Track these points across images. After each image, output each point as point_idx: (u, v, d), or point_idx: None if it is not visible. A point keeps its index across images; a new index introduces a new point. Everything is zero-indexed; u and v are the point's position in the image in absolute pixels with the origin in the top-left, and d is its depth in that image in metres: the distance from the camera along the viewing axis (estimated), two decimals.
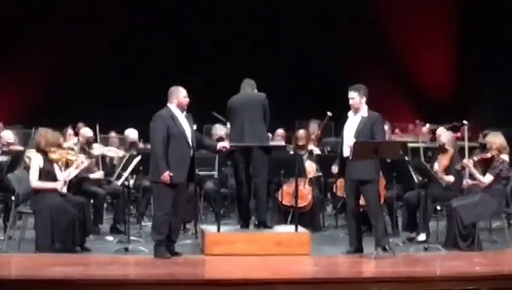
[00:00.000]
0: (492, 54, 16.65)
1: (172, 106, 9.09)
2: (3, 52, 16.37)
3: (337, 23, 17.34)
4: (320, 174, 11.13)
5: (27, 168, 10.24)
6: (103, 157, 11.17)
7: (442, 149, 10.41)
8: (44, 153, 9.50)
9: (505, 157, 9.69)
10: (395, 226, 10.59)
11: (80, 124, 13.13)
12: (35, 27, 16.53)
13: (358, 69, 15.93)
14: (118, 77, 16.44)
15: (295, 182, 9.82)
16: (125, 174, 9.79)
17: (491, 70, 16.57)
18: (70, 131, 12.40)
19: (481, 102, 16.29)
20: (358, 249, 9.27)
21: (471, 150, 10.61)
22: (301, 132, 11.64)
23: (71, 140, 11.48)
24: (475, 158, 9.82)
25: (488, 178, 9.62)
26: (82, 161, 9.80)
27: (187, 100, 9.11)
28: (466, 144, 10.02)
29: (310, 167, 11.07)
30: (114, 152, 11.64)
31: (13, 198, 9.72)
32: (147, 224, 10.66)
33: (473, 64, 16.91)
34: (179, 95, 9.10)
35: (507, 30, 16.32)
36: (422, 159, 10.83)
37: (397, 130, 14.27)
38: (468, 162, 9.76)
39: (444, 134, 10.59)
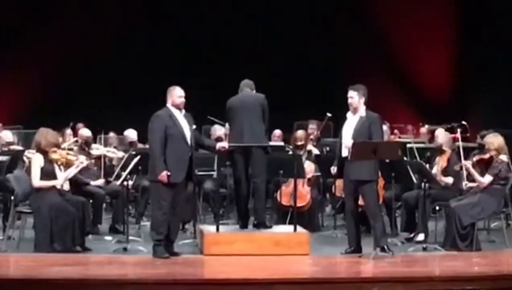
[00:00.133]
0: (492, 55, 16.64)
1: (171, 106, 9.12)
2: (3, 52, 16.36)
3: (337, 23, 17.33)
4: (319, 174, 11.14)
5: (26, 168, 10.28)
6: (102, 157, 11.17)
7: (439, 150, 10.42)
8: (44, 153, 9.52)
9: (503, 157, 9.71)
10: (394, 226, 10.59)
11: (79, 125, 13.14)
12: (35, 27, 16.51)
13: (357, 69, 15.91)
14: (118, 77, 16.42)
15: (293, 182, 9.83)
16: (124, 174, 9.82)
17: (490, 70, 16.55)
18: (69, 131, 12.41)
19: (481, 103, 16.27)
20: (356, 249, 9.28)
21: (470, 150, 10.65)
22: (299, 133, 11.67)
23: (70, 141, 11.49)
24: (474, 159, 9.85)
25: (487, 179, 9.64)
26: (81, 161, 9.83)
27: (181, 99, 9.12)
28: (461, 144, 10.03)
29: (309, 167, 11.07)
30: (113, 152, 11.66)
31: (12, 198, 9.75)
32: (146, 224, 10.67)
33: (473, 65, 16.89)
34: (173, 95, 9.13)
35: (507, 30, 16.30)
36: (418, 159, 10.81)
37: (396, 131, 14.26)
38: (467, 163, 9.78)
39: (441, 135, 10.61)
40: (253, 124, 9.53)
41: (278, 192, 10.94)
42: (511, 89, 15.81)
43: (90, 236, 9.80)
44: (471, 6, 17.20)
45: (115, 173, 10.41)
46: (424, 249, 9.55)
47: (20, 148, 11.41)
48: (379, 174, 9.58)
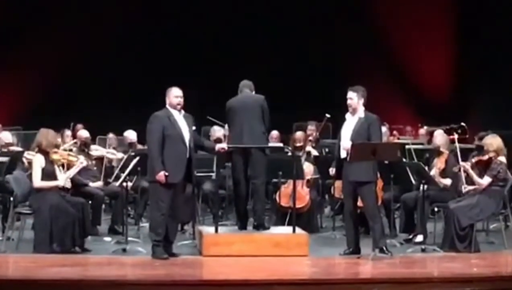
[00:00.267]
0: (492, 55, 16.63)
1: (169, 106, 9.14)
2: (3, 52, 16.36)
3: (337, 23, 17.33)
4: (318, 175, 11.14)
5: (26, 169, 10.29)
6: (102, 158, 11.18)
7: (437, 152, 10.43)
8: (45, 153, 9.53)
9: (502, 159, 9.71)
10: (393, 227, 10.59)
11: (78, 126, 13.14)
12: (35, 27, 16.51)
13: (357, 69, 15.92)
14: (118, 77, 16.41)
15: (293, 183, 9.84)
16: (123, 175, 9.82)
17: (490, 70, 16.55)
18: (68, 132, 12.41)
19: (481, 103, 16.27)
20: (355, 250, 9.29)
21: (468, 152, 10.65)
22: (298, 134, 11.66)
23: (69, 142, 11.49)
24: (473, 160, 9.85)
25: (486, 180, 9.64)
26: (81, 162, 9.85)
27: (178, 100, 9.13)
28: (458, 146, 10.03)
29: (308, 168, 11.08)
30: (112, 153, 11.67)
31: (11, 199, 9.75)
32: (145, 225, 10.66)
33: (473, 65, 16.88)
34: (170, 96, 9.14)
35: (507, 30, 16.30)
36: (416, 160, 10.82)
37: (395, 132, 14.26)
38: (465, 164, 9.78)
39: (438, 137, 10.61)
40: (253, 125, 9.54)
41: (277, 193, 10.94)
42: (511, 90, 15.79)
43: (89, 237, 9.80)
44: (471, 6, 17.19)
45: (114, 174, 10.42)
46: (423, 250, 9.56)
47: (19, 149, 11.40)
48: (378, 175, 9.59)
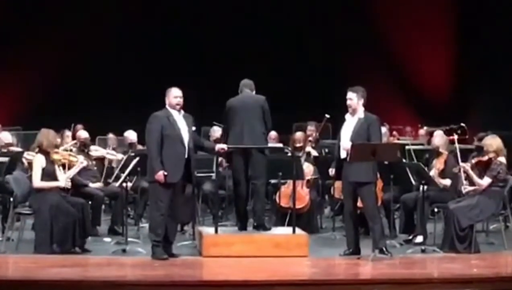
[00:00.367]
0: (492, 55, 16.64)
1: (169, 107, 9.14)
2: (3, 52, 16.36)
3: (337, 23, 17.33)
4: (318, 176, 11.14)
5: (25, 169, 10.29)
6: (102, 159, 11.18)
7: (436, 153, 10.43)
8: (46, 153, 9.53)
9: (502, 159, 9.71)
10: (392, 228, 10.59)
11: (78, 126, 13.14)
12: (35, 27, 16.51)
13: (357, 69, 15.93)
14: (118, 78, 16.42)
15: (292, 184, 9.83)
16: (123, 175, 9.82)
17: (490, 70, 16.55)
18: (68, 132, 12.41)
19: (481, 103, 16.27)
20: (355, 251, 9.29)
21: (468, 152, 10.64)
22: (298, 134, 11.66)
23: (69, 143, 11.49)
24: (473, 161, 9.85)
25: (486, 181, 9.64)
26: (81, 162, 9.86)
27: (177, 100, 9.13)
28: (458, 147, 10.03)
29: (308, 169, 11.08)
30: (112, 154, 11.66)
31: (11, 199, 9.75)
32: (145, 225, 10.67)
33: (473, 65, 16.89)
34: (170, 96, 9.15)
35: (507, 30, 16.30)
36: (416, 160, 10.82)
37: (395, 132, 14.27)
38: (465, 165, 9.78)
39: (437, 137, 10.60)
40: (253, 126, 9.54)
41: (277, 194, 10.93)
42: (511, 90, 15.79)
43: (89, 238, 9.80)
44: (471, 6, 17.20)
45: (114, 174, 10.42)
46: (423, 251, 9.56)
47: (19, 149, 11.41)
48: (378, 175, 9.59)
